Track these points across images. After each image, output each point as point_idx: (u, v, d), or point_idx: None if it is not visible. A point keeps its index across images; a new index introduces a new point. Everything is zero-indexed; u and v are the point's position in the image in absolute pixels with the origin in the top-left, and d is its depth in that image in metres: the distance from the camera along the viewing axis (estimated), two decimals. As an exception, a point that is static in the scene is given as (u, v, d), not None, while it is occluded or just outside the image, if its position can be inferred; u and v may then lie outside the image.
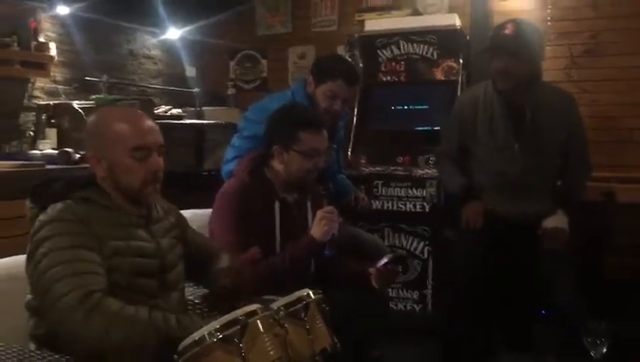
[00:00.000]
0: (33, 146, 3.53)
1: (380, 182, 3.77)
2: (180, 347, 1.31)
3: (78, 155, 3.23)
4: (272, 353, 1.31)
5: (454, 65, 3.87)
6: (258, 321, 1.32)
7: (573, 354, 2.08)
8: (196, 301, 1.87)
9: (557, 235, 2.52)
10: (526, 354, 2.02)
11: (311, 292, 1.56)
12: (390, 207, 3.74)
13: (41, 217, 1.51)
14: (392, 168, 3.78)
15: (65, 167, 3.14)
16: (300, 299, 1.51)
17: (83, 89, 3.99)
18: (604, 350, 1.92)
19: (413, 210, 3.70)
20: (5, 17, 3.41)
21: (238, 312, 1.32)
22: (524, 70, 2.50)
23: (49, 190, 1.58)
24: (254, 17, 4.97)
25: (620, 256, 3.06)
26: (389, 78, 4.05)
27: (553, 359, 2.06)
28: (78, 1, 3.78)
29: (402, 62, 4.01)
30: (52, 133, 3.57)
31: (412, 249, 3.70)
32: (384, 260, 2.29)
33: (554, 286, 2.48)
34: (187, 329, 1.40)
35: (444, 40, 3.88)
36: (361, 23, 4.27)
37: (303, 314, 1.48)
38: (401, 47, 4.00)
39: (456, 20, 3.90)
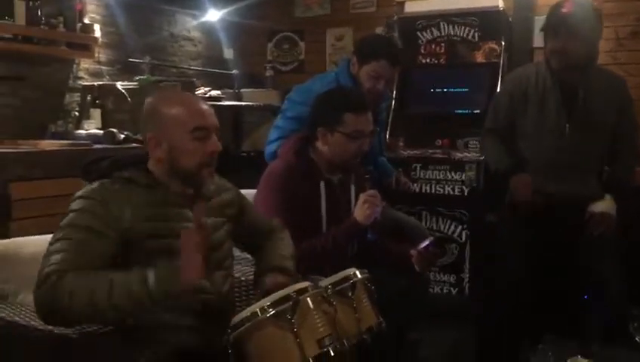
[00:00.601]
0: (78, 126, 3.61)
1: (419, 165, 3.76)
2: (232, 322, 1.35)
3: (122, 135, 3.29)
4: (321, 329, 1.34)
5: (496, 47, 3.82)
6: (308, 298, 1.35)
7: (619, 340, 2.07)
8: (242, 278, 1.90)
9: (604, 220, 2.48)
10: (571, 339, 2.00)
11: (357, 272, 1.58)
12: (428, 190, 3.74)
13: (78, 192, 1.57)
14: (430, 151, 3.77)
15: (110, 146, 3.20)
16: (347, 278, 1.53)
17: (126, 70, 4.05)
18: (650, 335, 1.90)
19: (451, 193, 3.69)
20: (52, -1, 3.48)
21: (290, 289, 1.35)
22: (581, 50, 2.45)
23: (97, 167, 1.62)
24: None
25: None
26: (428, 60, 4.03)
27: (598, 345, 2.05)
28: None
29: (442, 45, 3.98)
30: (96, 113, 3.64)
31: (450, 232, 3.69)
32: (426, 242, 2.30)
33: (599, 272, 2.45)
34: (155, 285, 1.37)
35: (486, 21, 3.83)
36: (400, 4, 4.23)
37: (350, 293, 1.51)
38: (442, 28, 3.97)
39: (498, 1, 3.83)
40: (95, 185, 1.56)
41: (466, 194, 3.64)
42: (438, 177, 3.72)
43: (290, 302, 1.31)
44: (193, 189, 1.67)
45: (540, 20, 3.90)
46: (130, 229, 1.51)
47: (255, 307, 1.33)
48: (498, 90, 3.61)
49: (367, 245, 2.35)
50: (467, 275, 3.69)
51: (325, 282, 1.49)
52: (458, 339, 3.24)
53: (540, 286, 2.58)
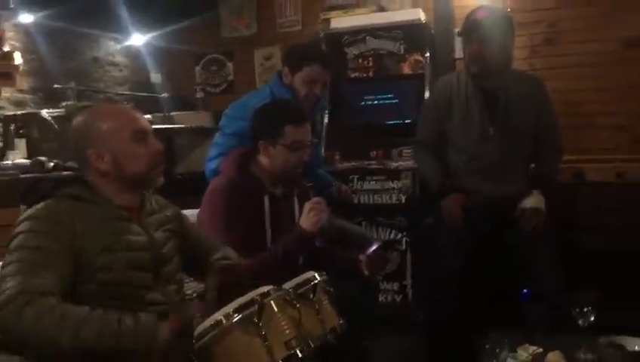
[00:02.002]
0: (2, 157, 3.44)
1: (356, 177, 3.82)
2: (196, 332, 1.32)
3: (51, 164, 3.17)
4: (287, 332, 1.34)
5: (421, 58, 3.95)
6: (272, 302, 1.35)
7: (562, 326, 2.17)
8: (194, 295, 1.87)
9: (535, 215, 2.61)
10: (516, 331, 2.07)
11: (316, 274, 1.59)
12: (367, 201, 3.80)
13: (23, 215, 1.53)
14: (366, 162, 3.84)
15: (39, 175, 3.07)
16: (307, 281, 1.54)
17: (49, 98, 3.92)
18: (592, 318, 2.00)
19: (389, 201, 3.76)
20: (-33, 27, 3.34)
21: (253, 293, 1.34)
22: (496, 53, 2.59)
23: (37, 189, 1.58)
24: (219, 21, 4.96)
25: (592, 234, 3.18)
26: (357, 74, 4.11)
27: (543, 332, 2.13)
28: (41, 9, 3.71)
29: (370, 58, 4.08)
30: (21, 143, 3.49)
31: (390, 241, 3.75)
32: (373, 246, 2.34)
33: (535, 264, 2.56)
34: (132, 331, 1.35)
35: (410, 34, 3.96)
36: (326, 21, 4.32)
37: (311, 295, 1.51)
38: (368, 43, 4.07)
39: (420, 15, 3.99)
40: (40, 206, 1.52)
41: (403, 201, 3.72)
42: (375, 187, 3.79)
43: (256, 306, 1.30)
44: (140, 196, 1.66)
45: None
46: (84, 245, 1.48)
47: (218, 315, 1.31)
48: (425, 99, 3.76)
49: (314, 253, 2.36)
50: (410, 281, 3.75)
51: (287, 285, 1.49)
52: (407, 345, 3.28)
53: (482, 284, 2.67)
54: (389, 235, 3.75)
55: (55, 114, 3.59)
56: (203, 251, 1.85)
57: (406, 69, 3.99)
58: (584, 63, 3.91)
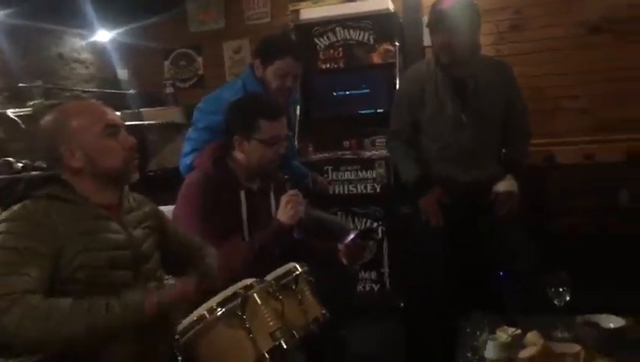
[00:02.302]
0: (-32, 159, 3.35)
1: (330, 168, 3.83)
2: (180, 327, 1.31)
3: (20, 164, 3.10)
4: (271, 323, 1.34)
5: (391, 48, 3.96)
6: (255, 294, 1.34)
7: (538, 307, 2.21)
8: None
9: (509, 198, 2.65)
10: (494, 313, 2.11)
11: (297, 265, 1.59)
12: (341, 191, 3.81)
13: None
14: (339, 153, 3.85)
15: (7, 177, 3.00)
16: (289, 272, 1.54)
17: (14, 97, 3.82)
18: (567, 298, 2.05)
19: (364, 191, 3.78)
20: None
21: (236, 286, 1.34)
22: (465, 43, 2.61)
23: (12, 191, 1.56)
24: (186, 15, 4.89)
25: (562, 215, 3.25)
26: (328, 65, 4.10)
27: (520, 314, 2.18)
28: (2, 7, 3.61)
29: (340, 49, 4.07)
30: (-13, 144, 3.42)
31: (367, 230, 3.76)
32: (351, 236, 2.35)
33: (510, 247, 2.61)
34: (121, 313, 1.39)
35: (379, 24, 3.97)
36: (295, 13, 4.29)
37: (293, 286, 1.52)
38: (338, 33, 4.06)
39: (389, 4, 4.00)
40: (17, 207, 1.50)
41: (378, 190, 3.74)
42: (349, 177, 3.81)
43: (239, 299, 1.30)
44: (117, 192, 1.65)
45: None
46: (63, 245, 1.47)
47: (201, 310, 1.31)
48: (397, 88, 3.78)
49: (292, 244, 2.36)
50: (387, 270, 3.78)
51: (269, 277, 1.49)
52: (385, 333, 3.31)
53: (459, 269, 2.71)
54: (365, 225, 3.77)
55: (21, 113, 3.51)
56: (182, 247, 1.84)
57: (376, 59, 4.00)
58: (548, 48, 3.96)
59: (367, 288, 3.81)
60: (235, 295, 1.31)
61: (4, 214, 1.49)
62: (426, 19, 4.04)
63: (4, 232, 1.44)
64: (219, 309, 1.29)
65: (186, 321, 1.32)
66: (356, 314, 2.74)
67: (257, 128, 2.22)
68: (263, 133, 2.22)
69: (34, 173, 3.05)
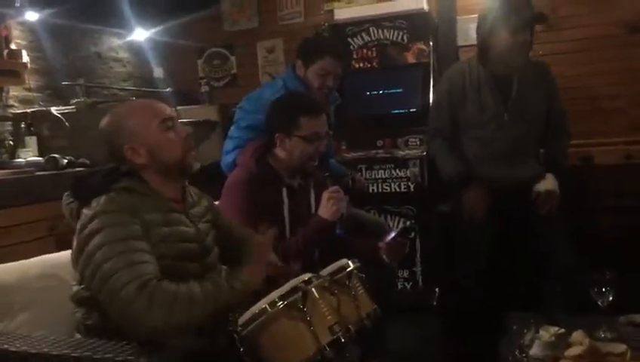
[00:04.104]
0: (13, 156, 3.45)
1: (364, 166, 3.86)
2: (242, 319, 1.36)
3: (65, 160, 3.19)
4: (329, 317, 1.38)
5: (424, 47, 3.98)
6: (314, 289, 1.38)
7: (579, 307, 2.21)
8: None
9: (550, 198, 2.66)
10: (536, 312, 2.12)
11: (350, 262, 1.62)
12: (375, 190, 3.83)
13: (87, 211, 1.55)
14: (373, 152, 3.88)
15: (55, 172, 3.10)
16: (342, 268, 1.57)
17: (57, 95, 3.92)
18: (611, 298, 2.05)
19: (397, 190, 3.80)
20: (-25, 26, 3.34)
21: (295, 281, 1.38)
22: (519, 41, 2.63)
23: (89, 184, 1.61)
24: (220, 14, 4.96)
25: (600, 215, 3.23)
26: (361, 64, 4.14)
27: (562, 314, 2.18)
28: (45, 7, 3.71)
29: (374, 49, 4.11)
30: (32, 141, 3.49)
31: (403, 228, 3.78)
32: (392, 234, 2.38)
33: (552, 246, 2.61)
34: (239, 289, 1.48)
35: (414, 24, 3.99)
36: (329, 13, 4.35)
37: (347, 282, 1.55)
38: (372, 33, 4.09)
39: (423, 4, 4.01)
40: (103, 200, 1.55)
41: (412, 190, 3.76)
42: (383, 176, 3.83)
43: (300, 293, 1.34)
44: (182, 185, 1.72)
45: (462, 20, 4.16)
46: (149, 235, 1.53)
47: (262, 303, 1.35)
48: (431, 88, 3.79)
49: (333, 242, 2.39)
50: (420, 269, 3.80)
51: (323, 273, 1.53)
52: (419, 331, 3.33)
53: (500, 268, 2.72)
54: (398, 223, 3.80)
55: (65, 111, 3.60)
56: (236, 241, 1.89)
57: (410, 58, 4.02)
58: (585, 48, 3.94)
59: (400, 286, 3.83)
60: (295, 289, 1.35)
61: (94, 208, 1.53)
62: (460, 19, 4.16)
63: (106, 226, 1.49)
64: (280, 302, 1.33)
65: (247, 314, 1.36)
66: (389, 311, 2.76)
67: (298, 125, 2.26)
68: (304, 130, 2.26)
69: (105, 167, 3.14)
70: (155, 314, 1.37)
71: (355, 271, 1.61)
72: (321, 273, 1.52)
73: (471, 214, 2.72)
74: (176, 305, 1.39)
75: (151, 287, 1.40)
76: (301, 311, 1.33)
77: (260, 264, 1.57)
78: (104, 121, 1.69)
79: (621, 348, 1.79)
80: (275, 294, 1.36)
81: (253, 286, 1.50)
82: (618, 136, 3.66)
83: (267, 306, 1.34)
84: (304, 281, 1.38)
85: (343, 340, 1.37)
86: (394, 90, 4.05)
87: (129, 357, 1.31)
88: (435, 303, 3.68)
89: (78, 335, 1.57)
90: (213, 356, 1.50)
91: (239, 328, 1.36)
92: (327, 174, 2.42)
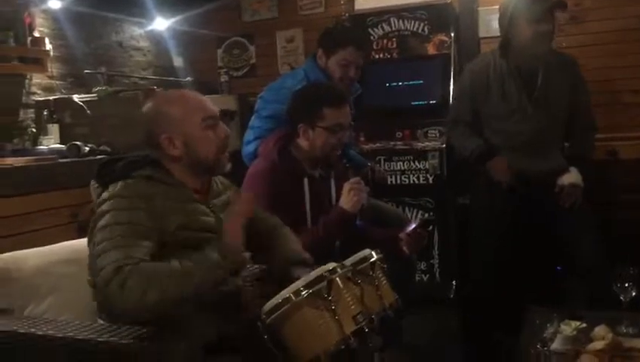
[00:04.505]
0: (36, 143, 3.49)
1: (383, 158, 3.84)
2: (266, 308, 1.37)
3: (87, 148, 3.22)
4: (353, 307, 1.38)
5: (446, 39, 3.95)
6: (338, 278, 1.39)
7: (603, 303, 2.20)
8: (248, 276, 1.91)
9: (574, 191, 2.64)
10: (557, 307, 2.11)
11: (373, 252, 1.63)
12: (394, 182, 3.82)
13: (104, 194, 1.57)
14: (392, 143, 3.86)
15: (77, 159, 3.13)
16: (366, 258, 1.58)
17: (79, 83, 3.95)
18: (634, 293, 2.03)
19: (416, 182, 3.78)
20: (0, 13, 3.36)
21: (320, 270, 1.38)
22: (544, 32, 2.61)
23: (112, 169, 1.62)
24: (240, 4, 4.96)
25: (625, 211, 3.20)
26: (381, 55, 4.11)
27: (584, 309, 2.16)
28: (68, -5, 3.74)
29: (394, 40, 4.08)
30: (54, 128, 3.53)
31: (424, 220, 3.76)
32: (413, 225, 2.37)
33: (574, 240, 2.59)
34: (221, 260, 1.49)
35: (435, 15, 3.95)
36: (349, 3, 4.32)
37: (370, 272, 1.55)
38: (392, 24, 4.07)
39: (445, -6, 3.98)
40: (119, 185, 1.57)
41: (430, 182, 3.74)
42: (402, 168, 3.82)
43: (325, 282, 1.34)
44: (208, 180, 1.73)
45: (484, 12, 4.12)
46: (163, 222, 1.54)
47: (286, 292, 1.36)
48: (451, 79, 3.76)
49: (352, 234, 2.39)
50: (437, 261, 3.79)
51: (347, 263, 1.53)
52: (436, 323, 3.32)
53: (520, 261, 2.70)
54: (416, 215, 3.78)
55: (87, 99, 3.62)
56: (264, 229, 1.90)
57: (431, 50, 3.99)
58: (609, 41, 3.89)
59: (417, 278, 3.82)
60: (320, 277, 1.35)
61: (108, 192, 1.56)
62: (482, 10, 4.12)
63: (113, 209, 1.51)
64: (305, 291, 1.33)
65: (271, 302, 1.37)
66: (409, 303, 2.76)
67: (321, 116, 2.25)
68: (327, 121, 2.25)
69: (99, 156, 3.16)
70: (128, 297, 1.38)
71: (378, 262, 1.61)
72: (344, 263, 1.52)
73: (497, 177, 2.70)
74: (150, 286, 1.38)
75: (126, 270, 1.39)
76: (325, 300, 1.33)
77: (232, 224, 1.56)
78: (147, 105, 1.69)
79: (644, 343, 1.77)
80: (299, 283, 1.36)
81: (234, 259, 1.51)
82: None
83: (291, 295, 1.34)
84: (329, 270, 1.39)
85: (366, 330, 1.37)
86: (414, 82, 4.03)
87: (153, 344, 1.31)
88: (451, 296, 3.67)
89: (100, 321, 1.58)
90: (235, 344, 1.50)
91: (263, 316, 1.37)
92: (347, 165, 2.42)
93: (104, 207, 1.53)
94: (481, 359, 2.75)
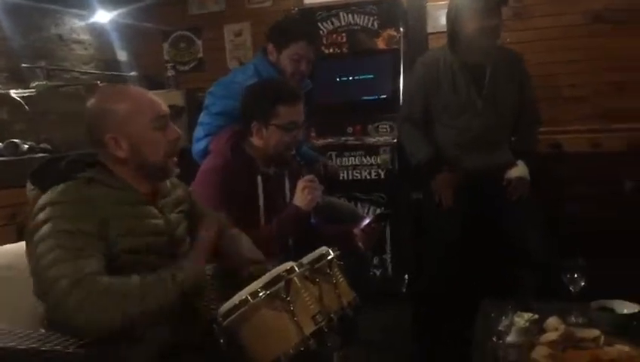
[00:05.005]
0: (-30, 141, 3.31)
1: (334, 153, 3.83)
2: (222, 310, 1.32)
3: (26, 145, 3.07)
4: (312, 307, 1.35)
5: (395, 33, 3.96)
6: (296, 278, 1.35)
7: (551, 294, 2.24)
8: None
9: (521, 185, 2.69)
10: (506, 299, 2.13)
11: (330, 250, 1.60)
12: (345, 177, 3.80)
13: (41, 200, 1.46)
14: (343, 138, 3.85)
15: (14, 158, 2.98)
16: (323, 256, 1.55)
17: (16, 78, 3.76)
18: (582, 284, 2.08)
19: (368, 177, 3.78)
20: None
21: (277, 270, 1.34)
22: (486, 28, 2.63)
23: (50, 171, 1.52)
24: (186, -4, 4.84)
25: (569, 203, 3.29)
26: (331, 50, 4.10)
27: (535, 300, 2.20)
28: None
29: (344, 34, 4.07)
30: (-10, 125, 3.37)
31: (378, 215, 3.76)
32: (367, 220, 2.36)
33: (524, 233, 2.64)
34: (184, 280, 1.44)
35: (384, 10, 3.96)
36: (299, -3, 4.28)
37: (328, 270, 1.52)
38: (342, 18, 4.05)
39: (394, -10, 3.98)
40: (59, 189, 1.46)
41: (382, 177, 3.74)
42: (353, 163, 3.81)
43: (283, 282, 1.30)
44: (156, 183, 1.61)
45: (432, 7, 4.15)
46: (108, 228, 1.45)
47: (244, 293, 1.31)
48: (402, 74, 3.78)
49: (307, 229, 2.36)
50: (389, 255, 3.81)
51: (304, 261, 1.49)
52: (389, 318, 3.33)
53: (471, 254, 2.73)
54: (368, 211, 3.78)
55: (25, 94, 3.46)
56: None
57: (381, 44, 4.00)
58: (550, 37, 3.98)
59: (370, 273, 3.83)
60: (278, 277, 1.32)
61: (47, 197, 1.45)
62: (430, 5, 4.15)
63: (55, 217, 1.41)
64: (263, 292, 1.29)
65: (228, 304, 1.32)
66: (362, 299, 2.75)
67: (276, 114, 2.21)
68: (281, 119, 2.21)
69: (72, 153, 3.01)
70: (84, 313, 1.30)
71: (336, 260, 1.58)
72: (301, 261, 1.48)
73: (440, 198, 2.73)
74: (110, 302, 1.32)
75: (85, 284, 1.32)
76: (284, 300, 1.29)
77: (199, 250, 1.53)
78: (92, 101, 1.57)
79: (595, 333, 1.81)
80: (256, 284, 1.32)
81: (196, 278, 1.45)
82: (583, 125, 3.72)
83: (249, 296, 1.30)
84: (286, 270, 1.35)
85: (325, 330, 1.34)
86: (364, 76, 4.03)
87: (103, 351, 1.25)
88: (404, 290, 3.69)
89: (42, 331, 1.49)
90: (190, 348, 1.44)
91: (219, 318, 1.32)
92: (302, 163, 2.38)
93: (42, 215, 1.42)
94: (435, 353, 2.77)
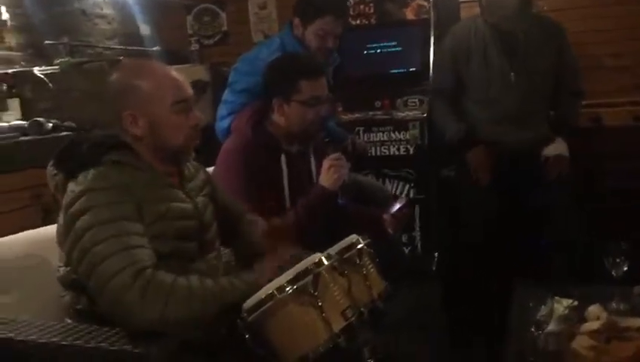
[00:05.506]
0: (-5, 119, 3.29)
1: (362, 129, 3.73)
2: (248, 304, 1.26)
3: (50, 124, 3.03)
4: (341, 301, 1.29)
5: (424, 3, 3.83)
6: (324, 271, 1.28)
7: (590, 278, 2.14)
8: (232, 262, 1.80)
9: (560, 163, 2.57)
10: (543, 283, 2.05)
11: (360, 238, 1.52)
12: (373, 153, 3.71)
13: (74, 187, 1.40)
14: (371, 113, 3.74)
15: (39, 137, 2.94)
16: (352, 246, 1.47)
17: (40, 55, 3.72)
18: (625, 268, 1.97)
19: (397, 153, 3.68)
20: (-51, -19, 3.12)
21: (306, 262, 1.27)
22: None
23: (75, 155, 1.46)
24: (209, -32, 4.73)
25: (610, 180, 3.15)
26: (358, 21, 3.98)
27: (569, 284, 2.11)
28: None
29: (371, 4, 3.96)
30: (14, 103, 3.31)
31: (398, 192, 3.69)
32: (398, 205, 2.28)
33: (559, 214, 2.53)
34: (240, 288, 1.37)
35: (413, -22, 3.82)
36: (325, -33, 4.12)
37: (357, 260, 1.45)
38: (369, -12, 3.92)
39: (424, -43, 3.82)
40: (91, 173, 1.40)
41: (411, 152, 3.64)
42: (382, 138, 3.71)
43: (311, 276, 1.24)
44: (176, 167, 1.55)
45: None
46: (143, 213, 1.40)
47: (270, 287, 1.25)
48: (431, 46, 3.64)
49: (335, 212, 2.28)
50: (419, 233, 3.72)
51: (332, 251, 1.42)
52: (419, 297, 3.27)
53: (505, 234, 2.64)
54: (397, 187, 3.69)
55: (48, 71, 3.41)
56: (232, 216, 1.77)
57: (410, 15, 3.86)
58: (590, 4, 3.78)
59: (400, 255, 3.75)
60: (305, 271, 1.25)
61: (81, 185, 1.39)
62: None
63: (94, 206, 1.35)
64: (290, 287, 1.23)
65: (253, 299, 1.26)
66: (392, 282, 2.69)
67: (297, 89, 2.12)
68: (304, 94, 2.12)
69: (94, 135, 2.99)
70: (149, 306, 1.26)
71: (366, 248, 1.51)
72: (329, 251, 1.41)
73: (476, 177, 2.63)
74: (172, 298, 1.28)
75: (147, 276, 1.28)
76: (312, 295, 1.23)
77: (271, 263, 1.44)
78: (115, 75, 1.51)
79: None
80: (283, 278, 1.26)
81: (258, 287, 1.37)
82: (623, 97, 3.55)
83: (275, 291, 1.23)
84: (315, 263, 1.28)
85: (355, 325, 1.27)
86: (392, 48, 3.90)
87: (125, 347, 1.20)
88: (434, 268, 3.62)
89: (68, 321, 1.45)
90: (214, 344, 1.39)
91: (244, 314, 1.26)
92: (327, 140, 2.30)
93: (81, 203, 1.36)
94: (464, 333, 2.70)
